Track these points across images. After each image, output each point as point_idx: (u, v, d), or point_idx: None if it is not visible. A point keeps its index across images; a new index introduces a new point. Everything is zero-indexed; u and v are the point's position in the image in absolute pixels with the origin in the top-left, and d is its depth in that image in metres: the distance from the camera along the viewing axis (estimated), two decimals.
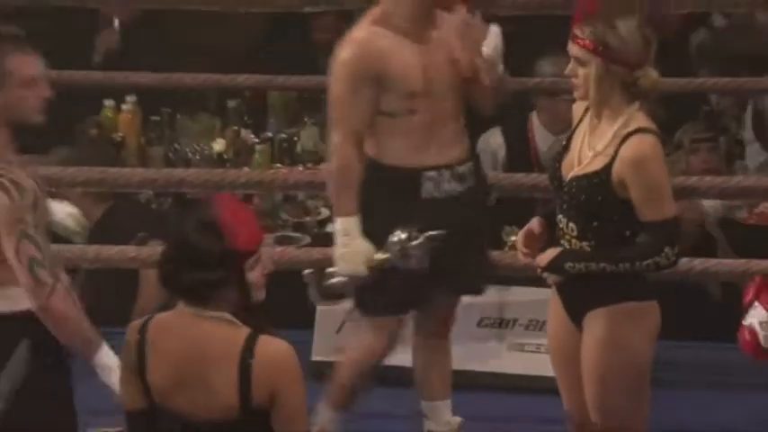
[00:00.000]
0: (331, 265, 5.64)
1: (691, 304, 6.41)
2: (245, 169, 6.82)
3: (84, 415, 5.22)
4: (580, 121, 4.79)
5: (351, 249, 5.13)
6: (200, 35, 7.54)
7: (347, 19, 6.04)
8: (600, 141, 4.71)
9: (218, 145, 7.03)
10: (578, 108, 4.83)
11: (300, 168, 6.87)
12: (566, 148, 4.80)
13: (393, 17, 5.14)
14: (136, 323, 3.99)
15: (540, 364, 5.90)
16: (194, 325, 3.91)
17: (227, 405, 3.85)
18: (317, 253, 6.17)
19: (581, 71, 4.66)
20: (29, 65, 4.42)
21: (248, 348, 3.83)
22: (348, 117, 5.21)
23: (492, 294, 5.93)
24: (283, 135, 7.07)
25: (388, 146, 5.23)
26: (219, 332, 3.89)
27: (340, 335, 6.04)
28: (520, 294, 6.13)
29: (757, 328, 4.85)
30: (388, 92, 5.14)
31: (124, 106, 7.06)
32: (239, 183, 6.41)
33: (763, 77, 6.71)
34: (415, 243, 5.07)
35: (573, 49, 4.70)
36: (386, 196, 5.20)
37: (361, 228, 5.15)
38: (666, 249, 4.61)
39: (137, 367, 3.91)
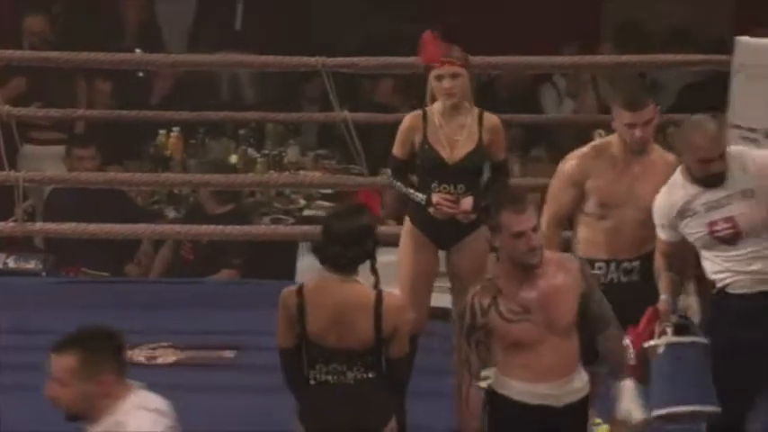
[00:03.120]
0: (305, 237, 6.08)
1: None
2: (251, 174, 7.01)
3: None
4: (425, 127, 5.07)
5: None
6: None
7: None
8: (463, 128, 5.08)
9: (233, 158, 7.24)
10: (415, 121, 5.09)
11: (287, 173, 7.06)
12: (429, 148, 5.05)
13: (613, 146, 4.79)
14: (291, 289, 4.22)
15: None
16: (340, 287, 4.18)
17: (366, 338, 4.17)
18: (298, 230, 6.52)
19: (458, 83, 5.05)
20: (518, 222, 4.04)
21: (378, 301, 4.17)
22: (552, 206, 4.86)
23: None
24: (275, 152, 7.26)
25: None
26: (358, 291, 4.20)
27: None
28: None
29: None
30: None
31: (172, 133, 7.25)
32: (246, 183, 6.83)
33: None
34: None
35: (450, 69, 5.02)
36: None
37: None
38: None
39: (297, 318, 4.17)
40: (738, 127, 5.68)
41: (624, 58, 6.53)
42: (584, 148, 4.88)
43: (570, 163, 4.84)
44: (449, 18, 8.33)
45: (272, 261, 6.50)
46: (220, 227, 6.43)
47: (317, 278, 4.24)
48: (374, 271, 4.24)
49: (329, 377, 4.21)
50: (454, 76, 5.06)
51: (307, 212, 6.95)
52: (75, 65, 6.75)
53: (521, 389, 4.14)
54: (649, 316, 4.55)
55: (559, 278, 4.12)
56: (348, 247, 4.18)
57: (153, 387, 5.37)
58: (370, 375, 4.21)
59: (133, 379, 5.46)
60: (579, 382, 4.19)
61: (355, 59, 6.55)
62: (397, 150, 5.21)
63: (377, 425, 4.26)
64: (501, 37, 7.50)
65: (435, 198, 5.05)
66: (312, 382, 4.25)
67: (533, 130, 7.36)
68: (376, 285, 4.23)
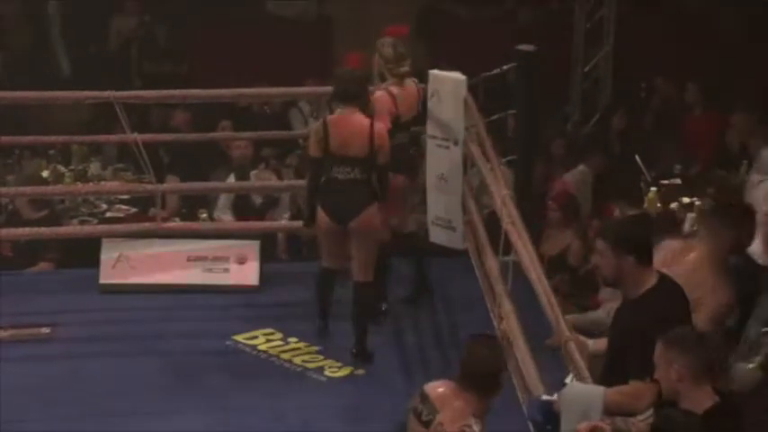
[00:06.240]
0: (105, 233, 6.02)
1: None
2: (60, 186, 6.81)
3: None
4: None
5: None
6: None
7: None
8: None
9: (45, 173, 7.00)
10: None
11: (91, 184, 6.87)
12: None
13: None
14: (318, 122, 5.26)
15: (222, 277, 5.94)
16: (349, 116, 5.16)
17: (363, 149, 5.10)
18: (101, 228, 6.35)
19: None
20: None
21: (371, 126, 5.14)
22: None
23: (198, 244, 6.12)
24: (81, 167, 7.08)
25: None
26: (361, 120, 5.15)
27: (115, 269, 6.00)
28: (212, 243, 6.11)
29: None
30: None
31: None
32: (57, 192, 6.66)
33: None
34: None
35: None
36: None
37: None
38: None
39: (323, 137, 5.14)
40: (434, 137, 5.80)
41: None
42: None
43: None
44: (206, 58, 8.55)
45: (81, 254, 6.31)
46: (36, 228, 6.26)
47: (336, 113, 5.19)
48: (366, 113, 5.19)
49: (339, 175, 5.15)
50: None
51: (108, 215, 6.80)
52: None
53: None
54: None
55: None
56: (350, 86, 5.16)
57: None
58: (365, 176, 5.14)
59: None
60: None
61: (140, 92, 6.49)
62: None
63: (361, 205, 5.16)
64: (254, 73, 7.60)
65: None
66: (330, 176, 5.17)
67: (285, 144, 7.38)
68: (370, 121, 5.15)
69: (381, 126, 5.17)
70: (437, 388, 3.72)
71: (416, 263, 5.83)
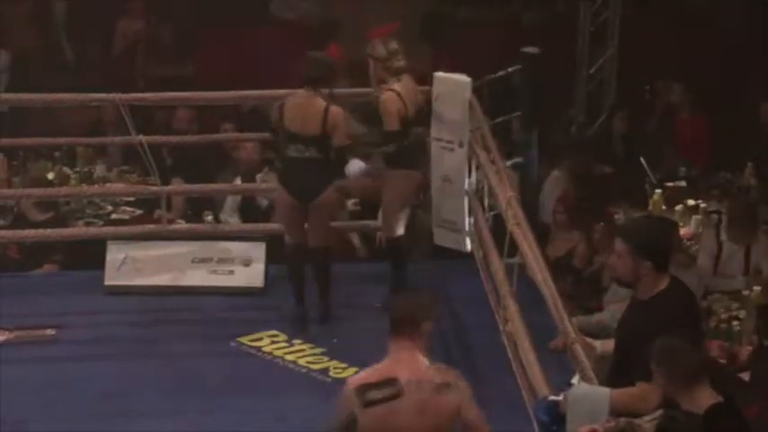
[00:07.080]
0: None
1: None
2: (65, 188, 6.77)
3: None
4: None
5: None
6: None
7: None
8: None
9: (51, 175, 6.96)
10: None
11: (96, 186, 6.85)
12: None
13: None
14: (278, 102, 5.41)
15: (227, 279, 5.98)
16: (307, 97, 5.35)
17: (317, 128, 5.28)
18: (106, 230, 6.34)
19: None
20: None
21: (327, 108, 5.32)
22: None
23: (203, 246, 6.10)
24: (86, 169, 7.05)
25: None
26: (318, 101, 5.32)
27: (120, 271, 6.03)
28: (217, 245, 6.08)
29: None
30: None
31: None
32: (62, 194, 6.57)
33: None
34: None
35: None
36: None
37: None
38: None
39: (279, 116, 5.35)
40: (439, 140, 5.78)
41: (353, 90, 6.39)
42: None
43: None
44: (211, 60, 8.51)
45: (87, 256, 6.29)
46: (41, 230, 6.26)
47: (295, 93, 5.41)
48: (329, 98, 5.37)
49: (294, 153, 5.35)
50: None
51: (114, 216, 6.78)
52: None
53: None
54: None
55: None
56: (314, 69, 5.36)
57: None
58: (320, 155, 5.31)
59: None
60: None
61: (146, 95, 6.43)
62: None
63: (320, 187, 5.40)
64: (259, 75, 7.54)
65: None
66: (287, 155, 5.39)
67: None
68: (327, 103, 5.33)
69: (337, 108, 5.32)
70: (392, 367, 3.54)
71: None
